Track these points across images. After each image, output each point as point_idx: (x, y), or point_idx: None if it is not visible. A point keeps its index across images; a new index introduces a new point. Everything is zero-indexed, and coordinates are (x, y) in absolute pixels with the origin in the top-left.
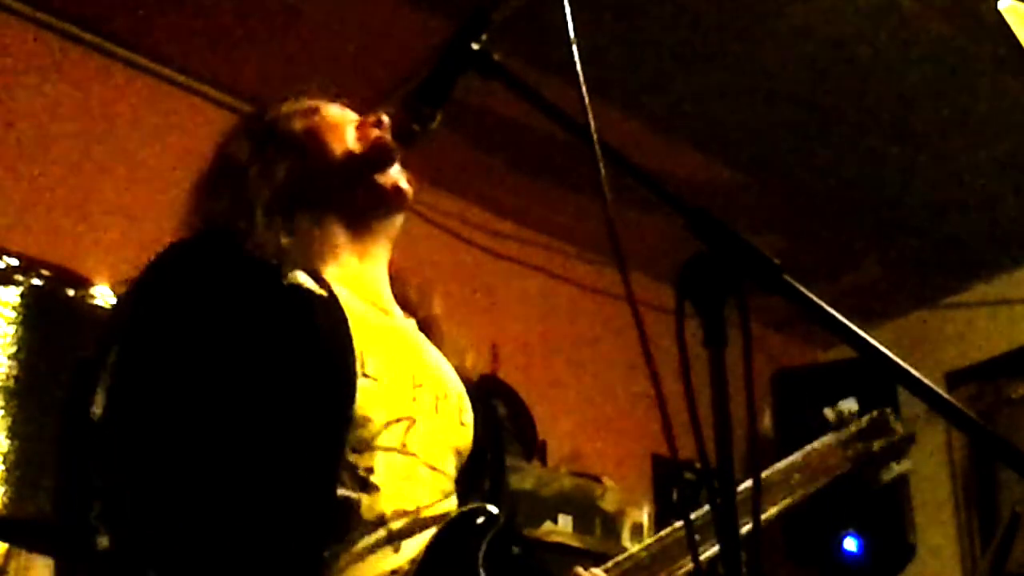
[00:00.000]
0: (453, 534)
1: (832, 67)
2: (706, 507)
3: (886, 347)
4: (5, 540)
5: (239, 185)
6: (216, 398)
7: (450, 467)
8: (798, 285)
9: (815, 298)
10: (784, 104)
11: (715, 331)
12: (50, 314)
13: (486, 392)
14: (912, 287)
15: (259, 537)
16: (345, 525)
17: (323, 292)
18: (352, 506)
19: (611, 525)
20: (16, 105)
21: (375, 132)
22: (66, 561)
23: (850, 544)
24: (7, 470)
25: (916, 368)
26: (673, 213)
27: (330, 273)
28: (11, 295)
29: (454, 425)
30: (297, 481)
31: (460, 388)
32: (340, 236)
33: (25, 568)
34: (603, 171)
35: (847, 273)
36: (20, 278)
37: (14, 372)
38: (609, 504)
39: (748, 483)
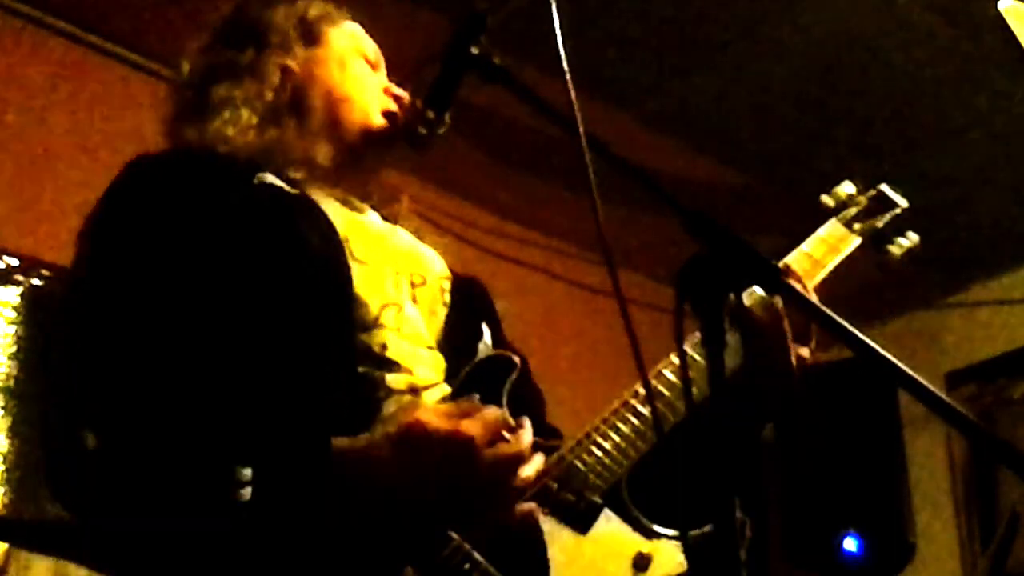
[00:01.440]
0: (479, 373)
1: (832, 67)
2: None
3: (886, 347)
4: (5, 540)
5: (259, 57)
6: (212, 302)
7: (437, 351)
8: (797, 286)
9: (813, 299)
10: (784, 104)
11: (713, 332)
12: (50, 314)
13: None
14: (912, 287)
15: (293, 422)
16: (375, 396)
17: (294, 191)
18: (377, 381)
19: None
20: (16, 105)
21: (391, 107)
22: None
23: (850, 544)
24: (7, 470)
25: (916, 368)
26: (673, 214)
27: (302, 177)
28: (11, 295)
29: (437, 309)
30: (318, 365)
31: (442, 271)
32: (321, 151)
33: (25, 568)
34: (590, 166)
35: (847, 273)
36: (20, 278)
37: (14, 372)
38: None
39: None
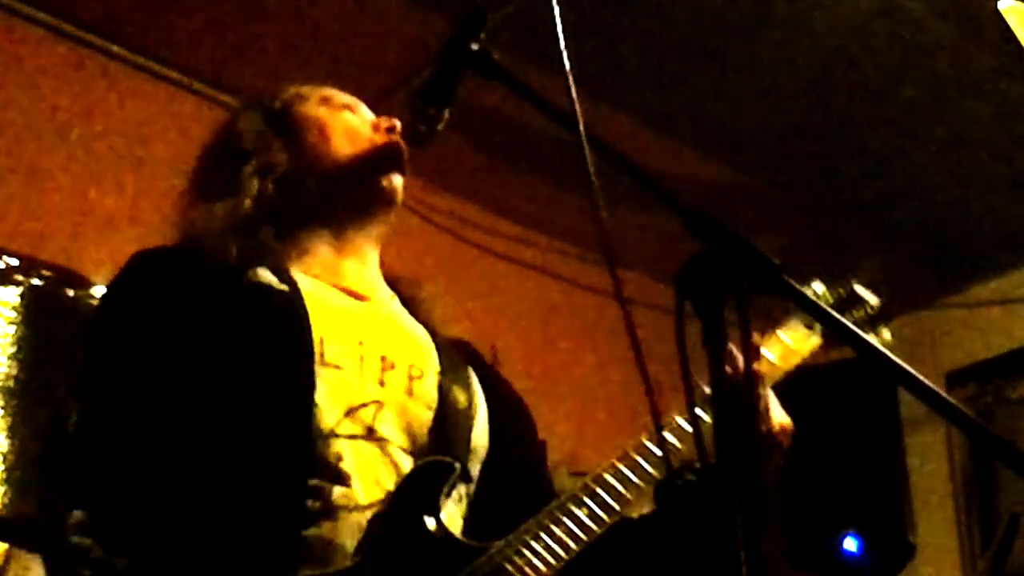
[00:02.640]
0: (413, 482)
1: (833, 67)
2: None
3: (886, 347)
4: (5, 540)
5: (235, 173)
6: (181, 401)
7: (424, 449)
8: (797, 285)
9: (815, 298)
10: (784, 104)
11: (714, 331)
12: (50, 314)
13: (469, 352)
14: (912, 287)
15: (236, 529)
16: (318, 511)
17: (284, 287)
18: (324, 495)
19: None
20: (16, 105)
21: (388, 137)
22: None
23: (850, 544)
24: (7, 470)
25: (916, 368)
26: (673, 213)
27: (299, 267)
28: (11, 295)
29: (430, 404)
30: (268, 475)
31: (435, 363)
32: (321, 234)
33: (25, 568)
34: (590, 164)
35: (847, 273)
36: (20, 278)
37: (14, 372)
38: None
39: None
